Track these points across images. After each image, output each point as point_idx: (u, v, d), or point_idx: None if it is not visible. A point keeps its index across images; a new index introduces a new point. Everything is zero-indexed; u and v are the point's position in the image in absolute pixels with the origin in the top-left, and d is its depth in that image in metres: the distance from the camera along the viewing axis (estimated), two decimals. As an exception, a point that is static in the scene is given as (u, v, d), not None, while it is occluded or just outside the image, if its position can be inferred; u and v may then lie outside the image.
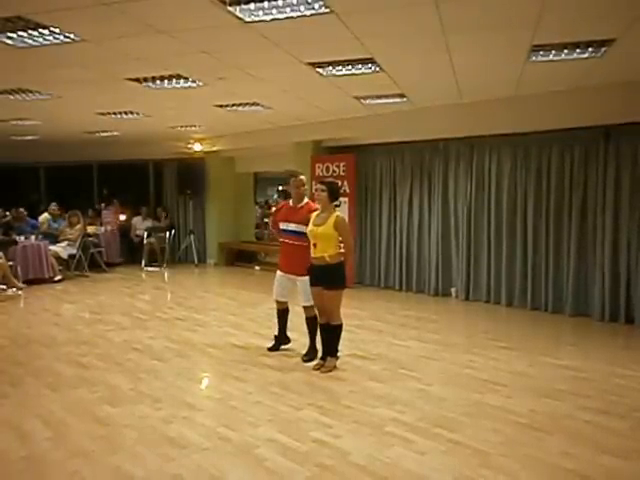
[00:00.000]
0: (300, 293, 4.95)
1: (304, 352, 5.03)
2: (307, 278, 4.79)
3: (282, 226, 5.03)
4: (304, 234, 4.76)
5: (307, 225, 4.73)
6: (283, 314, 5.25)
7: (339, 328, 4.70)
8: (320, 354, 4.88)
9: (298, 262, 4.85)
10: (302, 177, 5.00)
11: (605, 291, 6.41)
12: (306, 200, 5.01)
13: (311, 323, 4.97)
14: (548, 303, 6.94)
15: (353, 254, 4.50)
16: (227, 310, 7.27)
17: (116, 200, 11.58)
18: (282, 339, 5.32)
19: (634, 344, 5.77)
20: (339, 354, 4.79)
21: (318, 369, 4.68)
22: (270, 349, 5.27)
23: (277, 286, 5.14)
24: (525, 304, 7.15)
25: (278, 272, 5.14)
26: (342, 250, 4.59)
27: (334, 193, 4.64)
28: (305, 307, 4.98)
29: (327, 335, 4.73)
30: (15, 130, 9.45)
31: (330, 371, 4.62)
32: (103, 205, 11.64)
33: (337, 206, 4.92)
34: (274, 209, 5.45)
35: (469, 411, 3.80)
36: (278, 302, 5.21)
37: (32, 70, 5.34)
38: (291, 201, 5.06)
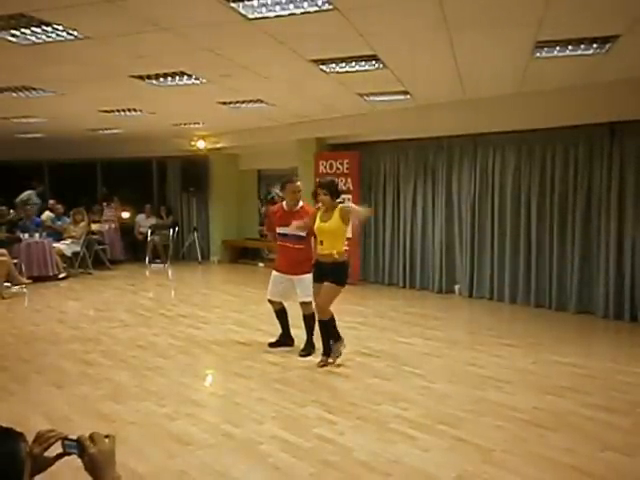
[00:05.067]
0: (298, 290, 4.98)
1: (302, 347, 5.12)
2: (306, 276, 4.88)
3: (280, 230, 5.05)
4: (303, 237, 4.93)
5: (306, 229, 4.88)
6: (281, 314, 5.25)
7: (330, 322, 4.71)
8: (316, 350, 4.96)
9: (299, 264, 4.96)
10: (299, 183, 5.07)
11: (609, 288, 6.38)
12: (301, 204, 5.06)
13: (308, 320, 5.04)
14: (552, 300, 6.92)
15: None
16: (230, 307, 7.28)
17: (116, 198, 11.56)
18: (286, 340, 5.30)
19: (638, 341, 5.75)
20: (340, 350, 4.78)
21: (323, 365, 4.69)
22: (271, 345, 5.28)
23: (273, 286, 5.14)
24: (529, 301, 7.13)
25: (274, 272, 5.15)
26: (347, 248, 4.61)
27: (334, 192, 4.67)
28: (303, 304, 5.01)
29: (326, 330, 4.75)
30: (19, 128, 9.47)
31: (338, 357, 4.70)
32: (105, 204, 11.63)
33: (341, 202, 4.91)
34: (270, 210, 5.39)
35: (472, 408, 3.81)
36: (272, 302, 5.21)
37: (35, 67, 5.34)
38: (285, 204, 5.08)
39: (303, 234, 4.93)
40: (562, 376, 4.48)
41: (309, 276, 4.88)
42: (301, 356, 4.99)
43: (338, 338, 4.77)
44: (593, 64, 5.23)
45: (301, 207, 5.04)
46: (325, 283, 4.58)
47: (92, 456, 1.38)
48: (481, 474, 2.90)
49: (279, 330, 5.35)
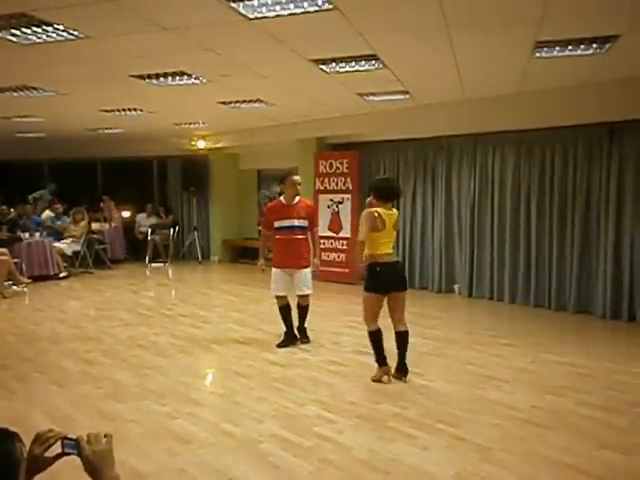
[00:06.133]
0: (299, 282, 5.19)
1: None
2: (307, 270, 5.21)
3: (283, 223, 5.16)
4: (305, 227, 5.22)
5: (307, 219, 5.19)
6: (287, 311, 5.31)
7: (370, 335, 4.33)
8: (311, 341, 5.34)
9: (300, 255, 5.19)
10: (297, 177, 5.29)
11: (608, 288, 6.39)
12: (299, 197, 5.26)
13: (301, 311, 5.34)
14: (551, 300, 6.94)
15: (359, 242, 4.22)
16: (231, 306, 7.30)
17: (106, 197, 11.46)
18: (291, 338, 5.35)
19: (636, 341, 5.76)
20: (379, 376, 4.37)
21: (376, 381, 4.35)
22: (279, 346, 5.29)
23: (276, 282, 5.24)
24: (528, 301, 7.14)
25: (275, 269, 5.24)
26: (383, 252, 4.26)
27: (377, 192, 4.28)
28: (302, 296, 5.26)
29: (370, 342, 4.40)
30: (20, 127, 9.49)
31: (377, 381, 4.30)
32: (102, 204, 11.60)
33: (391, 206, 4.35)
34: (268, 206, 5.48)
35: (471, 407, 3.82)
36: (279, 297, 5.28)
37: (36, 67, 5.36)
38: (283, 199, 5.23)
39: (305, 224, 5.19)
40: (561, 375, 4.49)
41: (309, 269, 5.26)
42: (303, 343, 5.30)
43: (380, 362, 4.33)
44: (592, 64, 5.24)
45: (299, 200, 5.24)
46: None
47: (87, 458, 1.40)
48: (479, 472, 2.92)
49: (280, 329, 5.40)
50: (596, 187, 6.53)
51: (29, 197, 11.10)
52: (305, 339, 5.37)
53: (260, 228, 5.51)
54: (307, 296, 5.27)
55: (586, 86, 6.10)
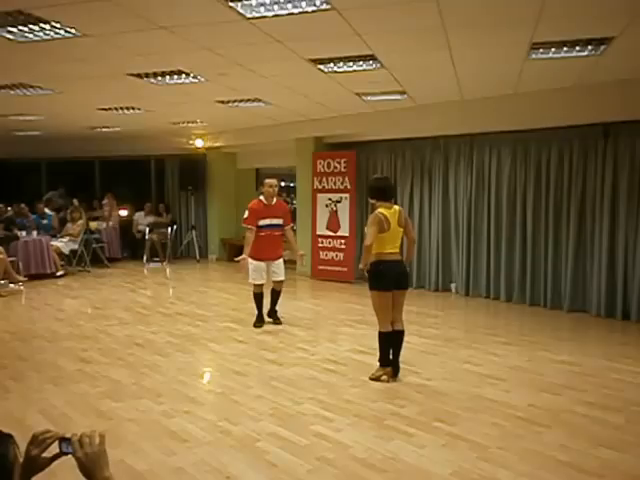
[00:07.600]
0: (277, 270, 5.99)
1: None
2: (281, 260, 5.99)
3: (265, 222, 5.85)
4: (282, 225, 5.96)
5: (282, 217, 5.94)
6: (261, 298, 6.08)
7: (379, 335, 4.33)
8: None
9: (279, 247, 6.03)
10: (273, 180, 5.95)
11: (602, 287, 6.43)
12: (276, 199, 5.99)
13: (275, 295, 6.14)
14: (547, 299, 6.98)
15: (366, 246, 4.22)
16: (228, 305, 7.30)
17: (110, 194, 11.40)
18: (262, 319, 6.12)
19: (630, 339, 5.79)
20: (377, 375, 4.38)
21: (373, 379, 4.36)
22: (255, 325, 6.02)
23: (258, 272, 5.93)
24: (524, 300, 7.18)
25: (257, 262, 5.89)
26: (388, 251, 4.26)
27: (378, 192, 4.40)
28: (278, 281, 6.05)
29: (378, 341, 4.40)
30: (17, 125, 9.46)
31: (376, 379, 4.33)
32: (105, 201, 11.59)
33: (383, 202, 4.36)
34: (253, 206, 6.00)
35: (468, 405, 3.84)
36: (257, 285, 6.00)
37: (33, 65, 5.34)
38: (264, 199, 5.91)
39: (281, 222, 5.95)
40: (557, 374, 4.52)
41: (282, 260, 6.05)
42: (276, 324, 6.05)
43: (383, 363, 4.36)
44: (588, 65, 5.26)
45: (277, 201, 6.00)
46: None
47: (81, 460, 1.41)
48: (477, 470, 2.94)
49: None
50: (591, 187, 6.57)
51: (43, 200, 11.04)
52: (278, 320, 6.13)
53: (248, 226, 5.89)
54: (281, 282, 6.08)
55: (581, 87, 6.13)
